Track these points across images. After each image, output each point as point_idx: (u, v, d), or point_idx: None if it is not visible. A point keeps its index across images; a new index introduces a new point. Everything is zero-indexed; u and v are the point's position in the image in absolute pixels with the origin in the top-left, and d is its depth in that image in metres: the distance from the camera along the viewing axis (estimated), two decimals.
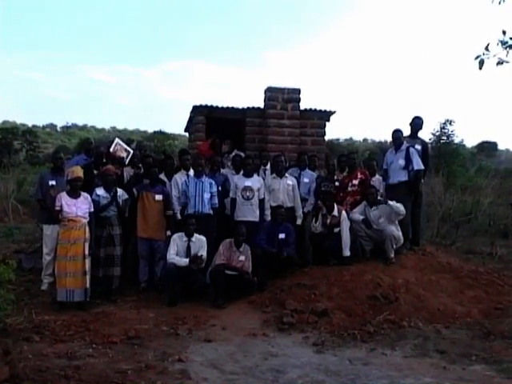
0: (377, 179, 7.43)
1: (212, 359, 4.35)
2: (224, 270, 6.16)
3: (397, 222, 6.69)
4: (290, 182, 7.14)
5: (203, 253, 6.22)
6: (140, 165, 7.19)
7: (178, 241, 6.27)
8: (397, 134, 7.17)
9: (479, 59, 3.98)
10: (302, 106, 8.38)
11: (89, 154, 7.47)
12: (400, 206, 6.57)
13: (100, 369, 3.99)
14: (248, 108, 8.46)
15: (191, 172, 6.94)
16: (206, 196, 6.61)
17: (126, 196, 6.52)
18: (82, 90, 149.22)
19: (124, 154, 7.20)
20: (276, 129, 8.24)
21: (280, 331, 5.16)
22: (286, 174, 7.20)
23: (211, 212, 6.68)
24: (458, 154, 19.95)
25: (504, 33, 4.02)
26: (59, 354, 4.28)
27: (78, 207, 5.91)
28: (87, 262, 5.88)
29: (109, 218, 6.31)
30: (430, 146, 11.88)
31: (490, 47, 3.96)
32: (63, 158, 7.15)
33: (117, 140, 7.28)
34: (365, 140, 56.35)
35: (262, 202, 6.96)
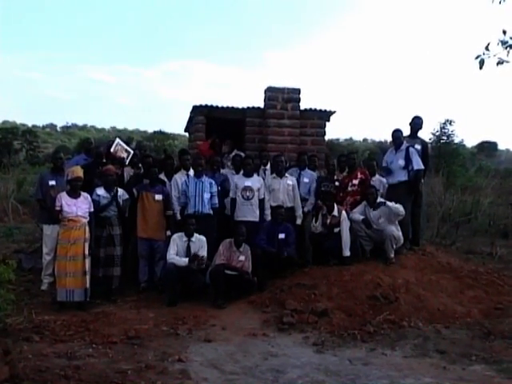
0: (377, 179, 7.43)
1: (212, 359, 4.35)
2: (224, 269, 6.16)
3: (397, 222, 6.69)
4: (290, 182, 7.14)
5: (203, 253, 6.22)
6: (140, 165, 7.19)
7: (177, 241, 6.27)
8: (396, 133, 7.16)
9: (479, 59, 3.99)
10: (302, 105, 8.38)
11: (89, 153, 7.48)
12: (399, 207, 6.56)
13: (100, 369, 3.99)
14: (248, 108, 8.45)
15: (191, 172, 6.94)
16: (206, 196, 6.61)
17: (127, 196, 6.52)
18: (82, 89, 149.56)
19: (124, 155, 7.20)
20: (276, 129, 8.23)
21: (280, 331, 5.16)
22: (286, 174, 7.20)
23: (211, 212, 6.68)
24: (458, 153, 19.95)
25: (504, 32, 4.02)
26: (59, 354, 4.28)
27: (78, 207, 5.91)
28: (87, 261, 5.88)
29: (109, 218, 6.31)
30: (429, 145, 11.88)
31: (490, 47, 3.97)
32: (63, 157, 7.15)
33: (117, 140, 7.27)
34: (365, 140, 56.41)
35: (261, 201, 6.96)
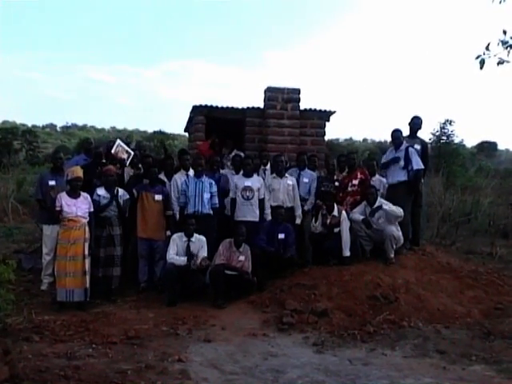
0: (377, 179, 7.43)
1: (212, 359, 4.35)
2: (224, 269, 6.16)
3: (397, 223, 6.68)
4: (290, 182, 7.14)
5: (204, 253, 6.21)
6: (140, 165, 7.20)
7: (177, 241, 6.27)
8: (396, 133, 7.16)
9: (480, 59, 3.99)
10: (302, 106, 8.38)
11: (88, 154, 7.48)
12: (395, 210, 6.55)
13: (100, 369, 3.99)
14: (248, 108, 8.45)
15: (191, 172, 6.94)
16: (206, 196, 6.61)
17: (127, 196, 6.52)
18: (82, 90, 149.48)
19: (125, 156, 7.21)
20: (276, 129, 8.23)
21: (280, 331, 5.16)
22: (286, 174, 7.20)
23: (211, 212, 6.68)
24: (458, 154, 19.95)
25: (504, 32, 4.02)
26: (59, 354, 4.27)
27: (77, 207, 5.90)
28: (87, 261, 5.88)
29: (109, 218, 6.31)
30: (429, 146, 11.88)
31: (490, 47, 3.97)
32: (63, 158, 7.17)
33: (118, 141, 7.28)
34: (364, 140, 56.37)
35: (261, 201, 6.96)
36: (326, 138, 9.02)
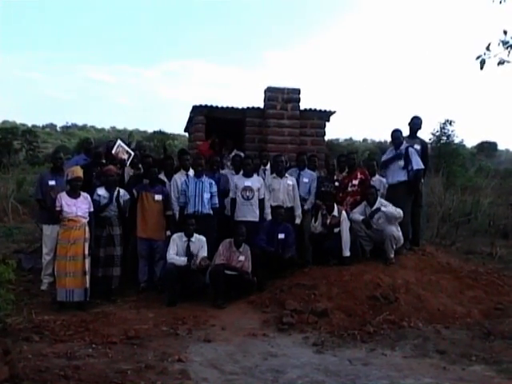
0: (377, 179, 7.43)
1: (212, 359, 4.35)
2: (224, 270, 6.16)
3: (397, 223, 6.68)
4: (290, 182, 7.14)
5: (203, 253, 6.21)
6: (140, 165, 7.20)
7: (177, 241, 6.26)
8: (396, 133, 7.16)
9: (480, 59, 3.99)
10: (302, 106, 8.38)
11: (88, 154, 7.48)
12: (394, 212, 6.55)
13: (100, 369, 3.99)
14: (248, 108, 8.45)
15: (191, 172, 6.93)
16: (206, 196, 6.60)
17: (128, 196, 6.52)
18: (82, 89, 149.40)
19: (126, 156, 7.22)
20: (276, 129, 8.23)
21: (280, 331, 5.15)
22: (286, 174, 7.20)
23: (211, 212, 6.67)
24: (458, 154, 19.94)
25: (505, 33, 4.03)
26: (59, 354, 4.27)
27: (77, 207, 5.90)
28: (87, 261, 5.88)
29: (109, 218, 6.31)
30: (429, 146, 11.88)
31: (491, 47, 3.97)
32: (63, 157, 7.17)
33: (119, 142, 7.28)
34: (364, 140, 56.36)
35: (261, 201, 6.96)
36: (326, 138, 9.03)
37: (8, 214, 12.10)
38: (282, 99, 8.25)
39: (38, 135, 36.79)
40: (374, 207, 6.66)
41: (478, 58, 4.00)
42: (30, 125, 51.19)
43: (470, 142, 39.60)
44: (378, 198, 6.79)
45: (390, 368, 4.23)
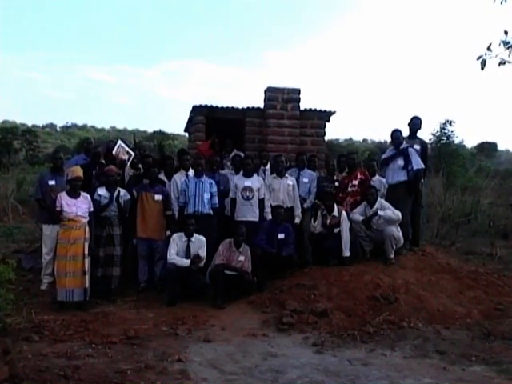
0: (377, 179, 7.43)
1: (211, 359, 4.35)
2: (223, 270, 6.15)
3: (397, 223, 6.68)
4: (290, 182, 7.14)
5: (202, 253, 6.21)
6: (140, 165, 7.19)
7: (177, 241, 6.26)
8: (396, 133, 7.16)
9: (481, 59, 3.98)
10: (302, 106, 8.38)
11: (88, 153, 7.48)
12: (392, 215, 6.55)
13: (99, 369, 3.99)
14: (248, 108, 8.45)
15: (191, 172, 6.93)
16: (206, 196, 6.60)
17: (128, 196, 6.52)
18: (82, 89, 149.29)
19: (126, 157, 7.23)
20: (276, 129, 8.23)
21: (279, 331, 5.15)
22: (286, 175, 7.20)
23: (211, 212, 6.67)
24: (458, 154, 19.90)
25: (506, 33, 4.03)
26: (59, 354, 4.27)
27: (77, 207, 5.90)
28: (87, 261, 5.87)
29: (109, 218, 6.31)
30: (429, 146, 11.88)
31: (492, 47, 3.96)
32: (63, 157, 7.17)
33: (119, 143, 7.29)
34: (364, 140, 56.31)
35: (261, 201, 6.96)
36: (326, 138, 9.03)
37: (8, 214, 12.10)
38: (282, 99, 8.25)
39: (37, 135, 36.73)
40: (372, 210, 6.66)
41: (478, 58, 4.00)
42: (30, 125, 51.18)
43: (470, 143, 39.58)
44: (378, 199, 6.79)
45: (389, 368, 4.23)
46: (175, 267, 6.06)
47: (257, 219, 6.88)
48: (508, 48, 4.02)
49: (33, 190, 8.97)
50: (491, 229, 11.72)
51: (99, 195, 6.30)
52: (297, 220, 7.18)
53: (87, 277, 5.85)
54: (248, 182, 6.91)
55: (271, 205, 7.01)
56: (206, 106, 8.36)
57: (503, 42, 4.03)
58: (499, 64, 4.04)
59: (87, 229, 5.92)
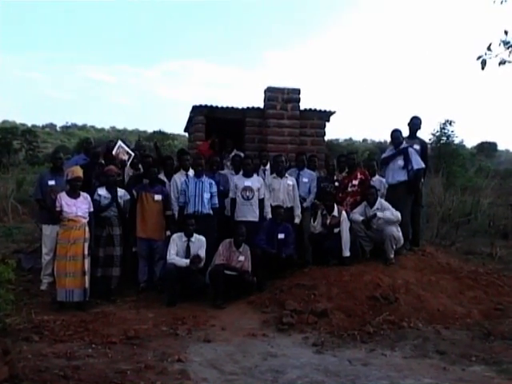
0: (377, 179, 7.43)
1: (211, 359, 4.35)
2: (223, 270, 6.15)
3: (397, 223, 6.68)
4: (290, 182, 7.14)
5: (202, 253, 6.21)
6: (139, 166, 7.19)
7: (177, 241, 6.26)
8: (396, 133, 7.16)
9: (481, 59, 3.98)
10: (302, 106, 8.37)
11: (88, 153, 7.48)
12: (391, 216, 6.55)
13: (99, 369, 3.99)
14: (248, 108, 8.45)
15: (190, 172, 6.93)
16: (206, 196, 6.60)
17: (128, 196, 6.52)
18: (82, 89, 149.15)
19: (126, 157, 7.24)
20: (276, 129, 8.23)
21: (279, 331, 5.15)
22: (286, 175, 7.20)
23: (211, 212, 6.67)
24: (458, 154, 19.89)
25: (506, 33, 4.03)
26: (58, 354, 4.27)
27: (77, 207, 5.90)
28: (87, 262, 5.87)
29: (109, 218, 6.31)
30: (429, 146, 11.88)
31: (492, 47, 3.97)
32: (62, 157, 7.17)
33: (119, 143, 7.30)
34: (364, 140, 56.33)
35: (261, 201, 6.95)
36: (326, 138, 9.03)
37: (8, 214, 12.10)
38: (281, 99, 8.24)
39: (37, 135, 36.73)
40: (372, 211, 6.66)
41: (479, 58, 4.00)
42: (29, 125, 51.17)
43: (470, 143, 39.59)
44: (378, 199, 6.79)
45: (389, 368, 4.23)
46: (175, 267, 6.06)
47: (257, 219, 6.88)
48: (508, 48, 4.02)
49: (33, 190, 8.96)
50: (491, 229, 11.72)
51: (99, 195, 6.30)
52: (297, 220, 7.18)
53: (87, 277, 5.85)
54: (248, 182, 6.90)
55: (271, 205, 7.01)
56: (205, 106, 8.36)
57: (503, 41, 4.04)
58: (499, 64, 4.05)
59: (87, 229, 5.92)
